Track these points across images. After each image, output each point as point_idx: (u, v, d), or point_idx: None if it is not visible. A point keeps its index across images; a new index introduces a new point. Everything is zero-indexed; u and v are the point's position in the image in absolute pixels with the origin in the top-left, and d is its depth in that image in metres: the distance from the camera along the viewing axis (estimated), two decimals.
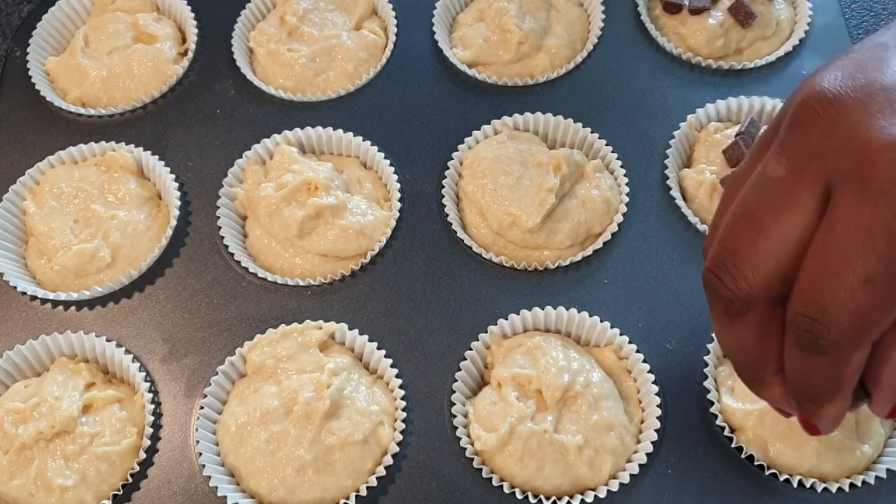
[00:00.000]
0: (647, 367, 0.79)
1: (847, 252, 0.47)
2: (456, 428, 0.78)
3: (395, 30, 1.02)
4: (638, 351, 0.80)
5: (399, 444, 0.77)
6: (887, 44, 0.52)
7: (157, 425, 0.80)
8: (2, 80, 1.04)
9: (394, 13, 1.03)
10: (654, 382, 0.78)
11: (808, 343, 0.51)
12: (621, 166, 0.91)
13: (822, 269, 0.49)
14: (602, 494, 0.74)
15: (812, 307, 0.49)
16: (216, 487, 0.75)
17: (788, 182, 0.50)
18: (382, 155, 0.94)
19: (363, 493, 0.75)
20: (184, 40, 1.07)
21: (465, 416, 0.79)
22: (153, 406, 0.81)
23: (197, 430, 0.79)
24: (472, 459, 0.76)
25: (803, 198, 0.50)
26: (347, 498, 0.75)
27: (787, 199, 0.50)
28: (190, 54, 1.03)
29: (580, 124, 0.93)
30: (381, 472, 0.76)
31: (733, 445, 0.75)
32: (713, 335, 0.79)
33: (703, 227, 0.86)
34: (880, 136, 0.47)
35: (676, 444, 0.75)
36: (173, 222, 0.90)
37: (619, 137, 0.93)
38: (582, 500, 0.74)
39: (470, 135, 0.94)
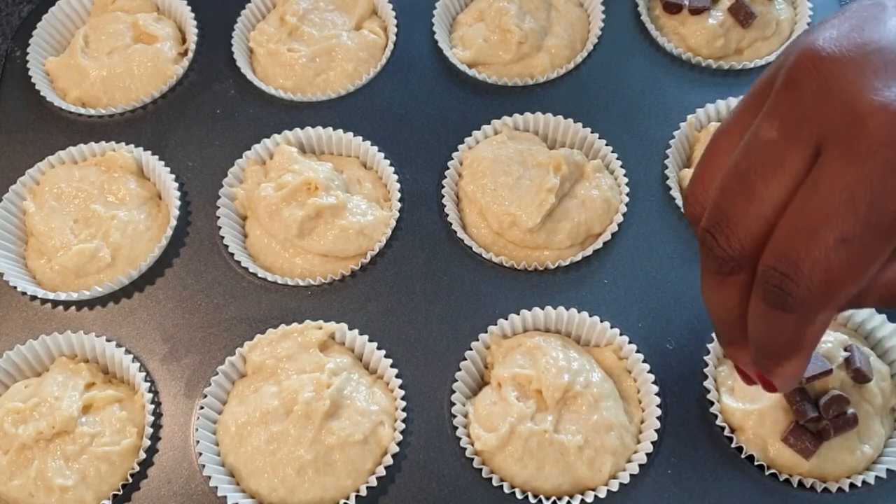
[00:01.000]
0: (647, 367, 0.79)
1: (827, 211, 0.47)
2: (456, 428, 0.78)
3: (395, 30, 1.02)
4: (638, 351, 0.80)
5: (399, 444, 0.77)
6: (884, 3, 0.52)
7: (157, 425, 0.80)
8: (2, 80, 1.04)
9: (394, 13, 1.03)
10: (654, 382, 0.78)
11: (776, 298, 0.51)
12: (621, 166, 0.91)
13: (800, 226, 0.49)
14: (602, 494, 0.74)
15: (784, 262, 0.50)
16: (216, 487, 0.75)
17: (780, 145, 0.50)
18: (382, 155, 0.94)
19: (363, 493, 0.75)
20: (184, 40, 1.07)
21: (465, 416, 0.79)
22: (153, 406, 0.81)
23: (197, 430, 0.79)
24: (472, 459, 0.76)
25: (793, 160, 0.50)
26: (347, 498, 0.75)
27: (778, 163, 0.50)
28: (190, 54, 1.03)
29: (580, 124, 0.93)
30: (381, 472, 0.76)
31: (733, 445, 0.75)
32: (713, 335, 0.79)
33: None
34: (872, 98, 0.47)
35: (676, 444, 0.75)
36: (173, 222, 0.90)
37: (619, 137, 0.93)
38: (582, 500, 0.74)
39: (470, 135, 0.94)
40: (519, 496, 0.74)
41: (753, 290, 0.54)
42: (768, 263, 0.51)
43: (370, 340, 0.83)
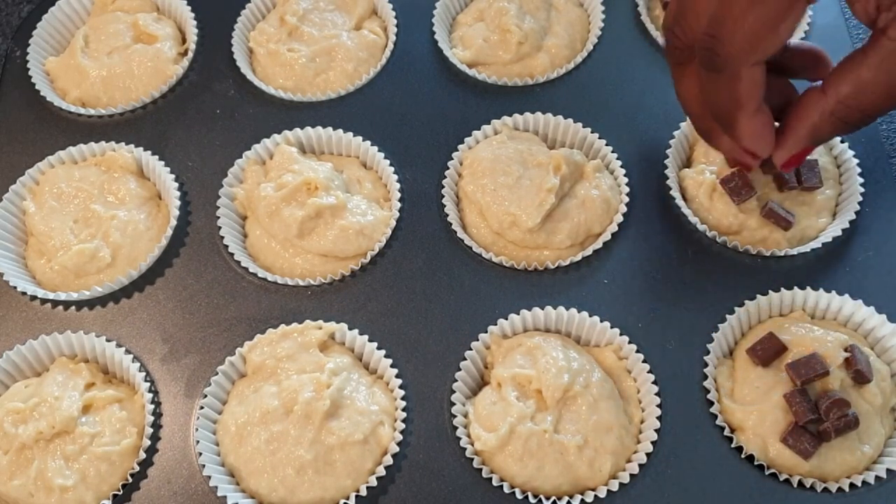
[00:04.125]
0: (647, 367, 0.79)
1: None
2: (456, 428, 0.78)
3: (395, 30, 1.02)
4: (638, 351, 0.80)
5: (399, 444, 0.77)
6: None
7: (157, 425, 0.80)
8: (2, 80, 1.04)
9: (394, 13, 1.03)
10: (654, 382, 0.78)
11: (707, 60, 0.64)
12: (621, 166, 0.91)
13: None
14: (602, 494, 0.74)
15: (711, 25, 0.62)
16: (216, 487, 0.75)
17: None
18: (382, 155, 0.94)
19: (363, 493, 0.75)
20: (184, 40, 1.07)
21: (465, 416, 0.78)
22: (153, 406, 0.81)
23: (197, 430, 0.79)
24: (472, 459, 0.76)
25: None
26: (347, 498, 0.75)
27: None
28: (190, 54, 1.03)
29: (580, 124, 0.93)
30: (381, 472, 0.76)
31: (733, 445, 0.75)
32: (713, 336, 0.79)
33: (702, 227, 0.86)
34: None
35: (676, 444, 0.75)
36: (173, 222, 0.90)
37: (619, 137, 0.93)
38: (582, 500, 0.74)
39: (470, 135, 0.94)
40: (519, 496, 0.74)
41: (696, 62, 0.66)
42: (703, 32, 0.63)
43: (370, 340, 0.83)
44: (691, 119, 0.75)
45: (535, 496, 0.74)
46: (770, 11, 0.60)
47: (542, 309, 0.83)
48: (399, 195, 0.91)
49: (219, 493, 0.75)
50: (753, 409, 0.75)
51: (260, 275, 0.87)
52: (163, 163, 0.94)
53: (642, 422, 0.78)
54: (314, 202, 0.87)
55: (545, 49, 1.00)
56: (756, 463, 0.74)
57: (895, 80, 0.61)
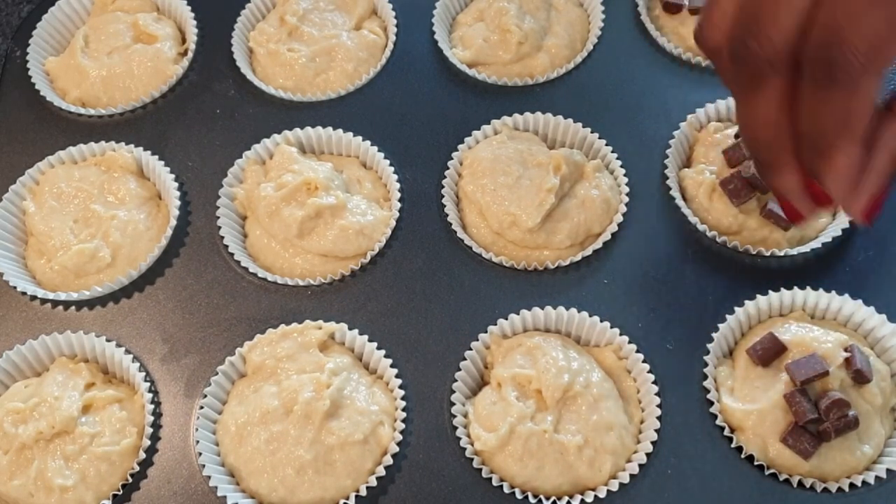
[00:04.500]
0: (647, 367, 0.79)
1: None
2: (456, 428, 0.78)
3: (395, 30, 1.02)
4: (638, 351, 0.80)
5: (399, 444, 0.77)
6: None
7: (157, 425, 0.80)
8: (2, 80, 1.04)
9: (394, 13, 1.03)
10: (654, 382, 0.78)
11: (823, 70, 0.53)
12: (621, 166, 0.91)
13: (840, 1, 0.51)
14: (602, 494, 0.74)
15: (829, 33, 0.52)
16: (216, 487, 0.75)
17: None
18: (382, 155, 0.94)
19: (363, 493, 0.75)
20: (184, 40, 1.07)
21: (465, 416, 0.78)
22: (153, 406, 0.81)
23: (197, 430, 0.79)
24: (472, 459, 0.76)
25: None
26: (347, 498, 0.75)
27: None
28: (190, 54, 1.03)
29: (580, 124, 0.93)
30: (381, 472, 0.76)
31: (733, 445, 0.75)
32: (713, 336, 0.79)
33: (702, 227, 0.86)
34: None
35: (676, 444, 0.75)
36: (173, 222, 0.90)
37: (619, 137, 0.92)
38: (582, 500, 0.74)
39: (470, 135, 0.94)
40: (519, 496, 0.74)
41: (802, 78, 0.55)
42: (815, 41, 0.53)
43: (370, 340, 0.83)
44: (757, 148, 0.62)
45: (535, 496, 0.74)
46: (894, 11, 0.51)
47: (542, 309, 0.83)
48: (399, 195, 0.91)
49: (219, 493, 0.75)
50: (753, 409, 0.75)
51: (260, 275, 0.87)
52: (163, 163, 0.94)
53: (642, 422, 0.78)
54: (314, 202, 0.87)
55: (545, 49, 1.00)
56: (756, 463, 0.74)
57: None
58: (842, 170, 0.58)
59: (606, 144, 0.92)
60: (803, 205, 0.65)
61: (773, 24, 0.54)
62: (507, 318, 0.82)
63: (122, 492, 0.77)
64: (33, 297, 0.87)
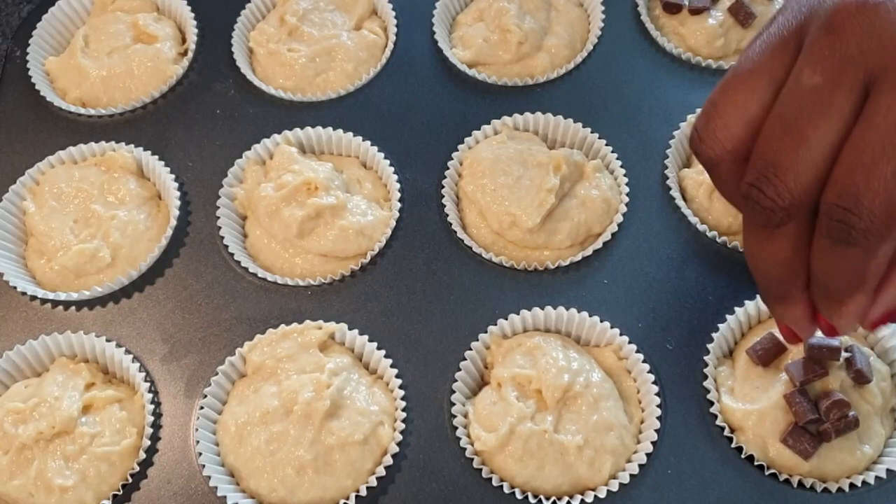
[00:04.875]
0: (647, 367, 0.79)
1: (883, 144, 0.49)
2: (456, 428, 0.78)
3: (395, 30, 1.02)
4: (638, 351, 0.80)
5: (399, 444, 0.77)
6: None
7: (157, 425, 0.80)
8: (2, 80, 1.04)
9: (394, 13, 1.03)
10: (654, 382, 0.78)
11: (839, 233, 0.52)
12: (621, 166, 0.91)
13: (858, 161, 0.50)
14: (602, 494, 0.74)
15: (846, 197, 0.51)
16: (216, 487, 0.75)
17: (826, 88, 0.51)
18: (382, 155, 0.94)
19: (363, 493, 0.75)
20: (184, 40, 1.07)
21: (465, 416, 0.79)
22: (153, 406, 0.81)
23: (197, 430, 0.79)
24: (472, 459, 0.76)
25: (840, 102, 0.51)
26: (347, 498, 0.75)
27: (826, 106, 0.51)
28: (190, 54, 1.03)
29: (580, 124, 0.93)
30: (381, 472, 0.76)
31: (733, 445, 0.75)
32: (713, 336, 0.79)
33: (702, 227, 0.86)
34: None
35: (676, 444, 0.75)
36: (173, 222, 0.90)
37: (619, 137, 0.92)
38: (582, 500, 0.74)
39: (470, 135, 0.94)
40: (519, 496, 0.74)
41: (816, 230, 0.54)
42: (830, 200, 0.52)
43: (370, 340, 0.83)
44: (766, 283, 0.60)
45: (535, 496, 0.74)
46: None
47: (542, 309, 0.83)
48: (399, 195, 0.91)
49: (219, 493, 0.75)
50: (753, 409, 0.75)
51: (260, 275, 0.87)
52: (163, 163, 0.94)
53: (642, 422, 0.78)
54: (314, 202, 0.87)
55: (545, 49, 1.00)
56: (756, 463, 0.74)
57: None
58: (852, 314, 0.58)
59: (606, 144, 0.92)
60: (806, 332, 0.64)
61: (793, 176, 0.52)
62: (507, 318, 0.82)
63: (122, 492, 0.77)
64: (33, 297, 0.87)
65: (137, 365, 0.83)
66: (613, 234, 0.87)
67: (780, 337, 0.76)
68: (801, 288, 0.59)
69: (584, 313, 0.82)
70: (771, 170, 0.53)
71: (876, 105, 0.49)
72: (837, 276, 0.55)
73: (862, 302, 0.58)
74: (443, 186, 0.91)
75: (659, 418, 0.76)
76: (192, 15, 1.05)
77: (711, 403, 0.77)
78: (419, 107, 0.97)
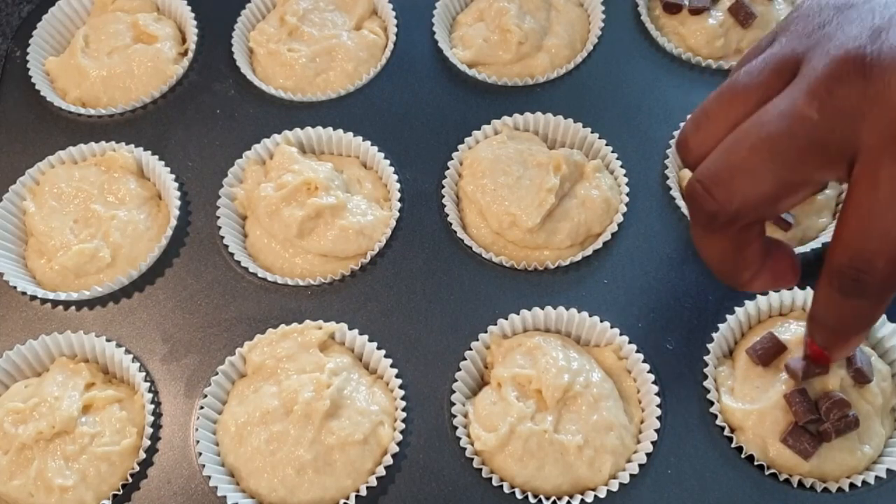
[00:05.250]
0: (647, 367, 0.79)
1: (889, 211, 0.51)
2: (456, 428, 0.78)
3: (395, 30, 1.02)
4: (638, 351, 0.80)
5: (399, 444, 0.77)
6: None
7: (157, 425, 0.80)
8: (2, 80, 1.04)
9: (394, 13, 1.03)
10: (654, 382, 0.78)
11: (853, 289, 0.55)
12: (621, 166, 0.91)
13: (869, 228, 0.53)
14: (602, 494, 0.74)
15: (858, 260, 0.54)
16: (216, 487, 0.75)
17: (819, 129, 0.52)
18: (382, 155, 0.94)
19: (363, 493, 0.75)
20: (184, 40, 1.07)
21: (465, 416, 0.78)
22: (153, 406, 0.81)
23: (197, 430, 0.79)
24: (472, 459, 0.76)
25: (831, 152, 0.52)
26: (347, 498, 0.75)
27: (816, 147, 0.53)
28: (190, 54, 1.03)
29: (580, 124, 0.93)
30: (381, 472, 0.76)
31: (733, 445, 0.75)
32: (713, 336, 0.79)
33: None
34: None
35: (676, 444, 0.75)
36: (173, 222, 0.90)
37: (619, 137, 0.92)
38: (582, 500, 0.74)
39: (470, 135, 0.94)
40: (519, 496, 0.74)
41: (823, 281, 0.57)
42: (843, 263, 0.55)
43: (370, 340, 0.83)
44: (718, 275, 0.65)
45: (535, 496, 0.74)
46: None
47: (542, 309, 0.83)
48: (399, 195, 0.91)
49: (219, 493, 0.75)
50: (753, 409, 0.75)
51: (260, 275, 0.87)
52: (163, 163, 0.94)
53: (642, 422, 0.78)
54: (314, 202, 0.87)
55: (545, 49, 1.00)
56: (756, 463, 0.74)
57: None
58: (852, 347, 0.64)
59: (606, 144, 0.92)
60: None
61: (751, 188, 0.55)
62: (507, 318, 0.82)
63: (122, 492, 0.77)
64: (33, 297, 0.87)
65: (137, 365, 0.83)
66: (613, 234, 0.87)
67: (782, 340, 0.76)
68: (752, 273, 0.62)
69: (584, 313, 0.82)
70: (727, 174, 0.55)
71: (881, 172, 0.51)
72: (846, 322, 0.59)
73: (863, 337, 0.62)
74: (443, 186, 0.91)
75: (659, 418, 0.76)
76: (192, 15, 1.05)
77: (711, 403, 0.77)
78: (419, 107, 0.97)
